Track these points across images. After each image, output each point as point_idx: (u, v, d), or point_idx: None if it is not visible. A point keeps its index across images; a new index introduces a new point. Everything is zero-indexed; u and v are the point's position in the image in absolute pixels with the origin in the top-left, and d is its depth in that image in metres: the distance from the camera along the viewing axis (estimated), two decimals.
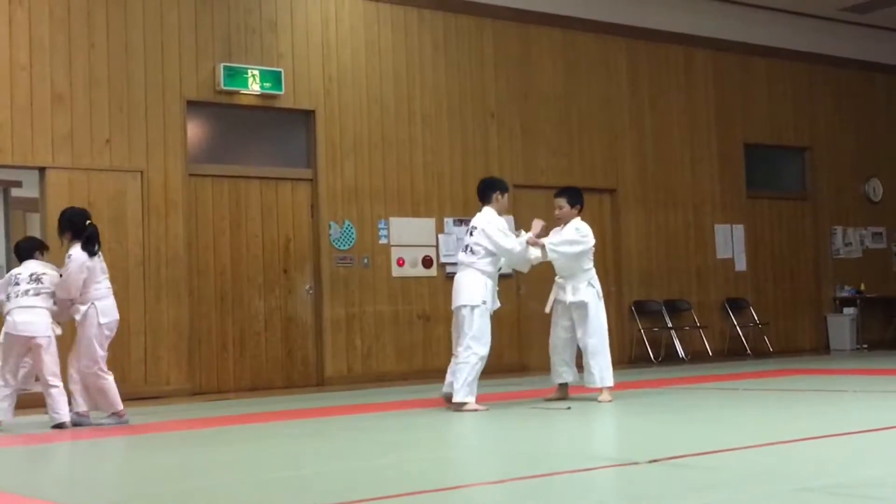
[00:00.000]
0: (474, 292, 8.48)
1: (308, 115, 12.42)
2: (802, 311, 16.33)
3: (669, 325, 14.57)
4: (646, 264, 14.68)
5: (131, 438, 7.65)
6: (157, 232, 11.30)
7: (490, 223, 8.62)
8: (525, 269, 9.15)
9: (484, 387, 10.92)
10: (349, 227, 12.44)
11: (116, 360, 10.92)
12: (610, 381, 8.64)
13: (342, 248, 12.37)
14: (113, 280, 10.94)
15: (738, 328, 15.22)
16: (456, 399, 8.29)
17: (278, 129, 12.47)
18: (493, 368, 13.05)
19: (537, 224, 8.73)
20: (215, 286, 11.69)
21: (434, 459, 5.86)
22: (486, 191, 8.87)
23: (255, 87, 11.92)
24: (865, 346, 16.05)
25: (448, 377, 8.61)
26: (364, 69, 12.76)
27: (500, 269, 8.81)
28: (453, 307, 8.68)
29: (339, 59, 12.61)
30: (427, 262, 12.92)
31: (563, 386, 8.92)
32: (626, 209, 14.60)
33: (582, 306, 8.68)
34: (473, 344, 8.42)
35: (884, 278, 17.17)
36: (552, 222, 9.04)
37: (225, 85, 11.70)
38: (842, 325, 16.18)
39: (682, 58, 15.39)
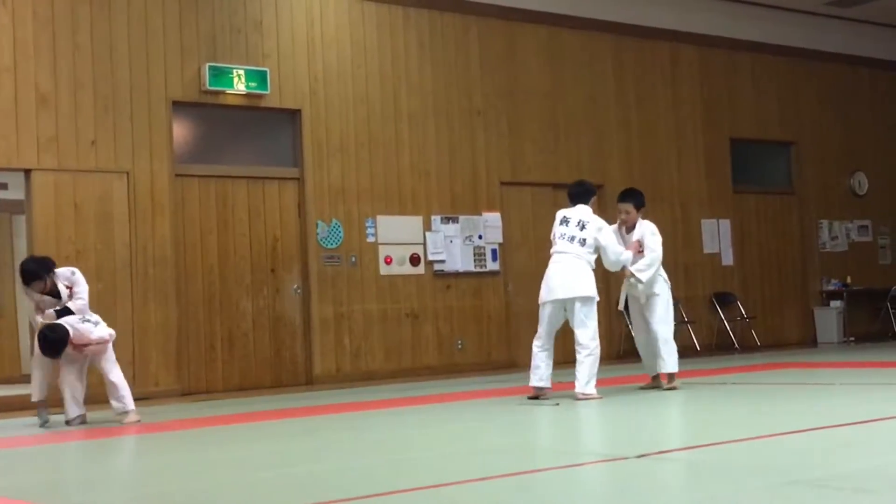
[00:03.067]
0: (589, 285, 8.56)
1: (294, 115, 12.41)
2: (789, 305, 16.38)
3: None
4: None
5: (120, 440, 7.63)
6: (143, 233, 11.28)
7: (606, 232, 8.76)
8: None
9: (472, 384, 10.94)
10: (336, 226, 12.44)
11: None
12: (675, 368, 8.86)
13: (330, 246, 12.37)
14: (100, 281, 10.97)
15: (725, 322, 15.25)
16: (585, 391, 8.36)
17: (264, 129, 12.45)
18: (482, 365, 13.10)
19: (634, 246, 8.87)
20: (203, 286, 11.67)
21: (423, 457, 5.87)
22: (583, 196, 9.00)
23: (240, 86, 11.90)
24: (852, 338, 16.10)
25: (544, 370, 8.60)
26: (350, 68, 12.76)
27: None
28: (562, 297, 8.57)
29: (325, 59, 12.61)
30: (415, 261, 12.92)
31: (656, 377, 9.04)
32: (612, 206, 14.52)
33: (652, 296, 8.90)
34: (596, 336, 8.53)
35: (870, 271, 17.23)
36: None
37: (210, 85, 11.68)
38: (829, 319, 16.23)
39: (668, 54, 15.42)
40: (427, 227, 13.05)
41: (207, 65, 11.70)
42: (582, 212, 8.83)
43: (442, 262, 13.10)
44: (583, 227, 8.73)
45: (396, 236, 12.85)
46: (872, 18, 17.27)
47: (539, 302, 8.77)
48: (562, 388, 8.95)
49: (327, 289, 12.31)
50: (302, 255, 12.27)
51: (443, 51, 13.46)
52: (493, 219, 13.51)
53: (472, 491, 4.62)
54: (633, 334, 9.32)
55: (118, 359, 8.75)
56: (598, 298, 8.66)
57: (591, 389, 8.40)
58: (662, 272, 9.01)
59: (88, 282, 8.99)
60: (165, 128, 11.52)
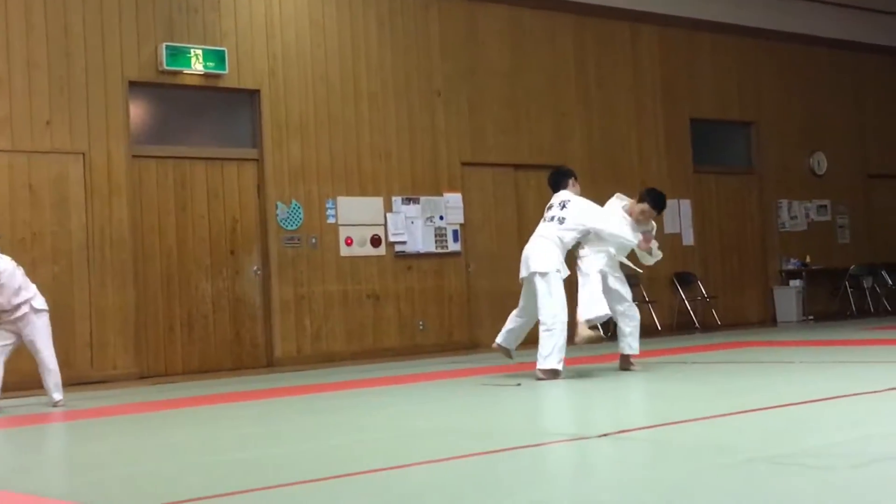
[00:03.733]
0: (547, 260, 8.54)
1: (253, 95, 12.29)
2: (749, 284, 16.48)
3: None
4: None
5: (77, 423, 7.55)
6: (100, 215, 11.15)
7: (594, 209, 8.77)
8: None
9: (435, 364, 10.92)
10: (296, 207, 12.35)
11: (61, 345, 10.76)
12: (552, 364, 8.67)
13: (290, 228, 12.28)
14: (56, 264, 10.84)
15: (686, 302, 15.33)
16: (547, 366, 8.36)
17: (223, 109, 12.33)
18: (444, 346, 13.08)
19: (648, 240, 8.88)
20: (161, 269, 11.56)
21: (383, 439, 5.84)
22: (561, 178, 9.05)
23: (198, 66, 11.77)
24: (811, 317, 16.24)
25: (505, 330, 8.90)
26: (309, 48, 12.65)
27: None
28: (523, 275, 8.75)
29: (284, 38, 12.49)
30: (375, 242, 12.86)
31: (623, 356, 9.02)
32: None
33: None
34: (558, 312, 8.47)
35: (828, 250, 17.37)
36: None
37: (167, 65, 11.54)
38: (788, 298, 16.35)
39: (629, 34, 15.42)
40: (388, 208, 12.99)
41: (164, 44, 11.55)
42: (563, 194, 8.90)
43: (403, 243, 13.05)
44: (563, 206, 8.78)
45: (357, 217, 12.78)
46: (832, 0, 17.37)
47: None
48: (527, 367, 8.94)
49: (288, 270, 12.23)
50: (262, 237, 12.18)
51: (403, 31, 13.37)
52: (454, 199, 13.47)
53: (434, 472, 4.59)
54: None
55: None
56: (561, 274, 8.59)
57: (550, 364, 8.36)
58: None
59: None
60: (122, 108, 11.37)
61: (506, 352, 9.12)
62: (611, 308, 8.62)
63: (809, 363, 9.13)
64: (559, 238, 8.67)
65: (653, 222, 9.06)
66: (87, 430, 7.27)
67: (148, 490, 4.58)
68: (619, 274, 8.89)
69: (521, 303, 8.90)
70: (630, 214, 8.83)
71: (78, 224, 11.03)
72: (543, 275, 8.54)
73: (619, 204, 8.93)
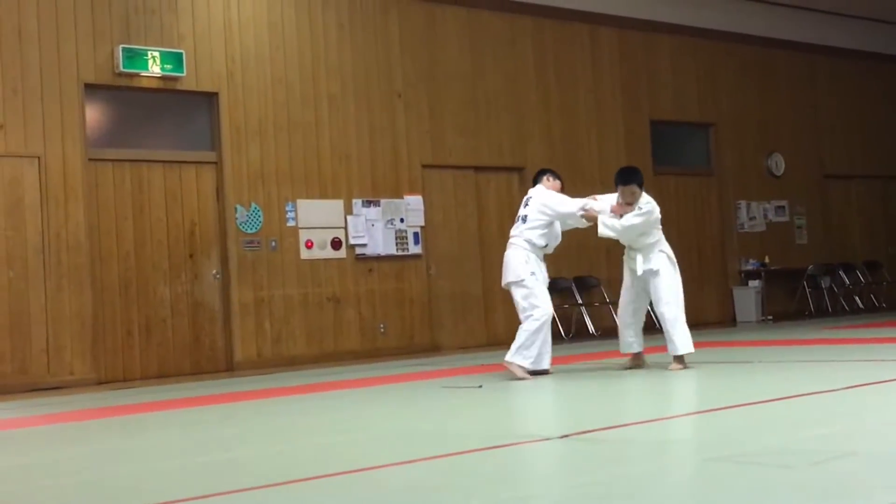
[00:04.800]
0: (517, 269, 8.63)
1: (211, 98, 12.20)
2: (709, 285, 16.56)
3: (579, 301, 14.67)
4: None
5: (33, 430, 7.44)
6: (56, 219, 11.01)
7: (547, 192, 8.87)
8: (581, 226, 9.08)
9: (397, 367, 10.89)
10: (256, 211, 12.27)
11: (17, 350, 10.67)
12: (690, 349, 8.58)
13: (249, 231, 12.20)
14: (11, 269, 10.70)
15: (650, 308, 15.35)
16: (509, 359, 8.43)
17: (181, 112, 12.23)
18: (405, 349, 13.04)
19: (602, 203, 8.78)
20: (119, 273, 11.44)
21: (344, 442, 5.80)
22: (538, 176, 9.21)
23: (155, 69, 11.66)
24: (770, 317, 16.35)
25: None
26: (268, 50, 12.58)
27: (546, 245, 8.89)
28: (503, 285, 8.88)
29: (242, 40, 12.41)
30: (336, 244, 12.81)
31: (637, 355, 8.87)
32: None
33: (654, 274, 8.60)
34: (534, 313, 8.53)
35: (787, 251, 17.50)
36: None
37: (124, 67, 11.43)
38: (747, 298, 16.45)
39: (588, 36, 15.46)
40: (348, 210, 12.94)
41: (121, 46, 11.44)
42: (532, 191, 9.01)
43: (363, 245, 13.00)
44: (526, 204, 8.88)
45: (317, 220, 12.72)
46: (788, 2, 17.50)
47: None
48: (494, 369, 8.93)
49: (247, 274, 12.15)
50: (221, 240, 12.09)
51: (362, 32, 13.33)
52: (414, 202, 13.44)
53: (395, 474, 4.57)
54: (618, 307, 9.09)
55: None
56: (537, 276, 8.65)
57: (516, 359, 8.40)
58: (666, 248, 8.77)
59: None
60: (78, 111, 11.24)
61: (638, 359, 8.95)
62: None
63: (768, 363, 9.19)
64: (527, 241, 8.72)
65: (643, 199, 8.77)
66: (43, 436, 7.17)
67: (106, 496, 4.52)
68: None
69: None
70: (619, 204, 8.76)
71: (33, 228, 10.90)
72: (518, 283, 8.65)
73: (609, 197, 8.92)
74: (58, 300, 10.94)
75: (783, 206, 17.62)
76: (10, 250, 10.76)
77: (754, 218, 17.20)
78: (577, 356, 11.03)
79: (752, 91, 17.36)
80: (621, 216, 8.61)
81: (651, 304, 8.84)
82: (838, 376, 7.44)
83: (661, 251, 8.73)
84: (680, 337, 8.56)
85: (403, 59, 13.62)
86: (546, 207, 8.78)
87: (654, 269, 8.59)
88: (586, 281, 14.93)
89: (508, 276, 8.73)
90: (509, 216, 14.39)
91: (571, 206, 8.80)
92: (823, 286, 17.46)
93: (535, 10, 14.84)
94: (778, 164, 17.61)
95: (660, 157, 16.11)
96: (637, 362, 8.92)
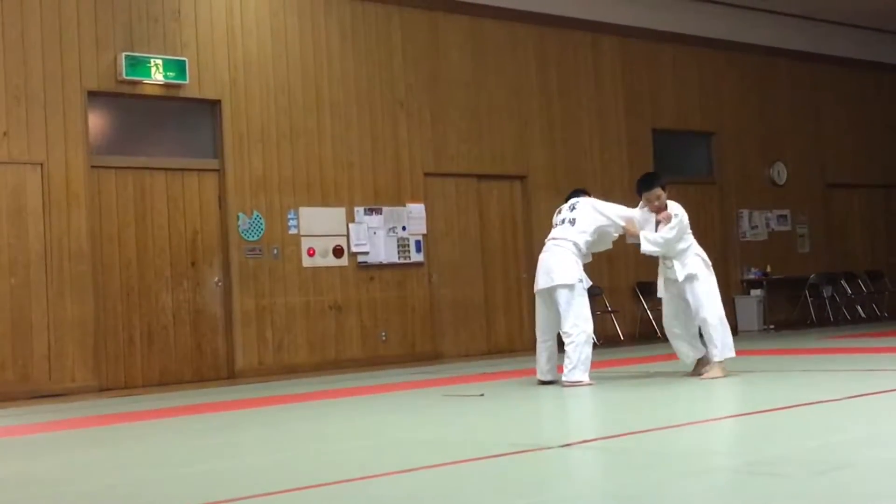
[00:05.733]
0: (569, 272, 8.46)
1: (214, 105, 12.22)
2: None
3: None
4: None
5: (34, 437, 7.45)
6: (59, 226, 11.03)
7: (598, 200, 8.82)
8: (616, 235, 8.97)
9: (398, 375, 10.88)
10: (258, 218, 12.28)
11: (18, 357, 10.68)
12: (731, 353, 8.45)
13: (251, 239, 12.21)
14: (13, 276, 10.72)
15: (648, 312, 15.36)
16: (573, 378, 8.28)
17: (183, 120, 12.25)
18: (406, 357, 13.04)
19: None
20: (121, 280, 11.45)
21: (346, 451, 5.80)
22: (579, 194, 9.04)
23: (158, 76, 11.68)
24: (772, 326, 16.34)
25: (544, 364, 8.61)
26: (270, 58, 12.60)
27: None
28: (544, 287, 8.58)
29: (245, 48, 12.43)
30: (338, 252, 12.82)
31: (700, 361, 8.69)
32: (536, 196, 14.65)
33: (692, 279, 8.54)
34: (581, 323, 8.40)
35: (789, 260, 17.50)
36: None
37: (127, 75, 11.46)
38: (749, 307, 16.44)
39: (590, 44, 15.48)
40: (350, 218, 12.95)
41: (124, 54, 11.46)
42: (574, 199, 8.87)
43: (365, 253, 13.01)
44: (573, 208, 8.75)
45: (319, 228, 12.73)
46: (791, 11, 17.52)
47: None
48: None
49: (249, 281, 12.15)
50: (223, 248, 12.10)
51: (365, 41, 13.35)
52: (416, 210, 13.45)
53: (397, 483, 4.56)
54: (663, 321, 8.98)
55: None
56: (584, 284, 8.55)
57: (579, 376, 8.31)
58: (700, 252, 8.74)
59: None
60: (81, 118, 11.27)
61: (549, 383, 8.75)
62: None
63: (770, 372, 9.17)
64: (574, 244, 8.57)
65: (669, 206, 8.70)
66: (44, 444, 7.17)
67: None
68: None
69: (540, 325, 8.73)
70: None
71: (36, 235, 10.91)
72: (568, 287, 8.46)
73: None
74: (60, 307, 10.95)
75: (785, 215, 17.62)
76: (12, 257, 10.77)
77: (756, 227, 17.20)
78: None
79: (755, 100, 17.37)
80: (658, 223, 8.61)
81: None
82: (840, 386, 7.43)
83: (697, 255, 8.70)
84: (721, 341, 8.44)
85: (406, 67, 13.64)
86: (599, 212, 8.67)
87: (693, 273, 8.55)
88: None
89: (556, 277, 8.46)
90: (511, 224, 14.45)
91: (625, 212, 8.74)
92: (825, 295, 17.45)
93: (538, 18, 14.86)
94: (780, 173, 17.61)
95: (662, 166, 16.07)
96: (700, 369, 8.74)
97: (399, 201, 13.35)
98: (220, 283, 12.04)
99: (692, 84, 16.64)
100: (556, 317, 8.59)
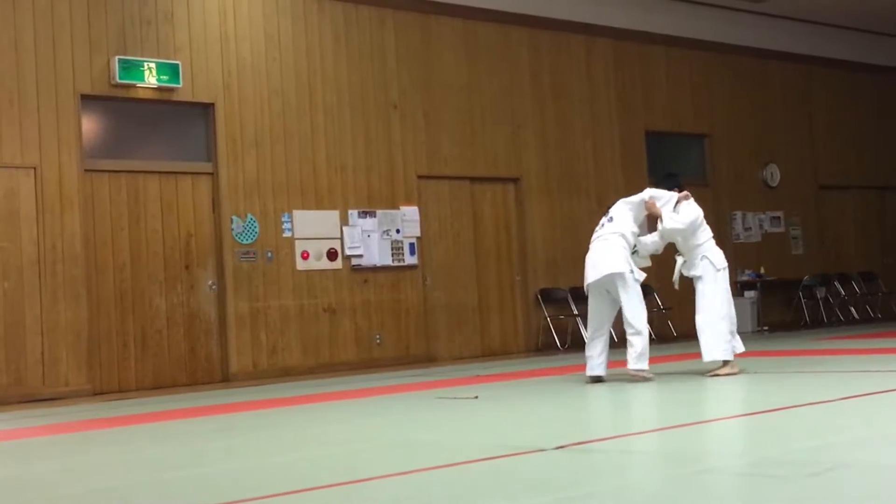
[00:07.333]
0: (619, 261, 8.52)
1: (207, 109, 12.21)
2: None
3: (575, 311, 14.65)
4: (551, 252, 14.75)
5: (28, 441, 7.43)
6: (52, 230, 11.01)
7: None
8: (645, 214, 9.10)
9: (392, 378, 10.88)
10: (252, 221, 12.27)
11: (12, 361, 10.66)
12: (717, 355, 8.55)
13: (245, 242, 12.21)
14: (6, 280, 10.70)
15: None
16: (639, 367, 8.37)
17: (177, 123, 12.23)
18: (401, 360, 13.04)
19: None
20: (115, 284, 11.43)
21: (340, 453, 5.79)
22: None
23: (151, 80, 11.67)
24: (766, 327, 16.35)
25: (596, 358, 8.63)
26: (264, 61, 12.59)
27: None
28: (596, 279, 8.59)
29: (238, 52, 12.42)
30: (332, 255, 12.81)
31: (727, 361, 8.76)
32: (529, 198, 14.66)
33: (697, 281, 8.74)
34: (641, 313, 8.52)
35: (782, 261, 17.52)
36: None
37: (120, 78, 11.44)
38: (743, 308, 16.41)
39: (584, 47, 15.49)
40: (344, 221, 12.95)
41: (117, 58, 11.45)
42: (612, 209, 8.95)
43: (359, 256, 13.00)
44: (609, 213, 8.88)
45: (313, 231, 12.72)
46: (783, 13, 17.56)
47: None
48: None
49: (243, 285, 12.14)
50: (217, 251, 12.08)
51: (358, 43, 13.35)
52: (410, 212, 13.45)
53: (391, 486, 4.56)
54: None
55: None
56: (636, 275, 8.59)
57: (641, 365, 8.41)
58: (710, 253, 8.85)
59: None
60: (74, 122, 11.25)
61: (598, 379, 8.77)
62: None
63: (764, 373, 9.18)
64: (620, 235, 8.62)
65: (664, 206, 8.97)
66: (38, 448, 7.16)
67: None
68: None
69: (592, 319, 8.78)
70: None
71: (29, 239, 10.89)
72: (620, 275, 8.50)
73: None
74: (53, 311, 10.93)
75: (778, 217, 17.65)
76: (5, 261, 10.75)
77: (750, 228, 17.23)
78: (572, 367, 11.02)
79: (747, 102, 17.40)
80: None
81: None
82: (834, 387, 7.44)
83: (705, 257, 8.83)
84: (707, 345, 8.62)
85: (399, 69, 13.64)
86: (626, 202, 8.82)
87: (698, 275, 8.74)
88: (582, 291, 14.87)
89: (605, 267, 8.49)
90: (505, 227, 14.45)
91: (642, 193, 8.90)
92: (819, 297, 17.48)
93: (531, 20, 14.87)
94: (773, 174, 17.64)
95: (655, 168, 16.10)
96: (733, 367, 8.81)
97: (393, 204, 13.35)
98: (213, 287, 12.02)
99: (685, 86, 16.66)
100: (609, 309, 8.71)
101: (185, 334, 11.82)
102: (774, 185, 17.65)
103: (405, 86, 13.66)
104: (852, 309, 17.97)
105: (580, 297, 14.83)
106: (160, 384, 11.54)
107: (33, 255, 10.89)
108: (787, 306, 17.25)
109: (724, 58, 17.11)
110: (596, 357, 8.68)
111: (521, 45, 14.82)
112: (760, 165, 17.54)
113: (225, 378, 11.94)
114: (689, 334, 15.75)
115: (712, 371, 8.67)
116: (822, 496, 3.82)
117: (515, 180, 14.62)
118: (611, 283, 8.57)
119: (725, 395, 7.61)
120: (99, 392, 11.10)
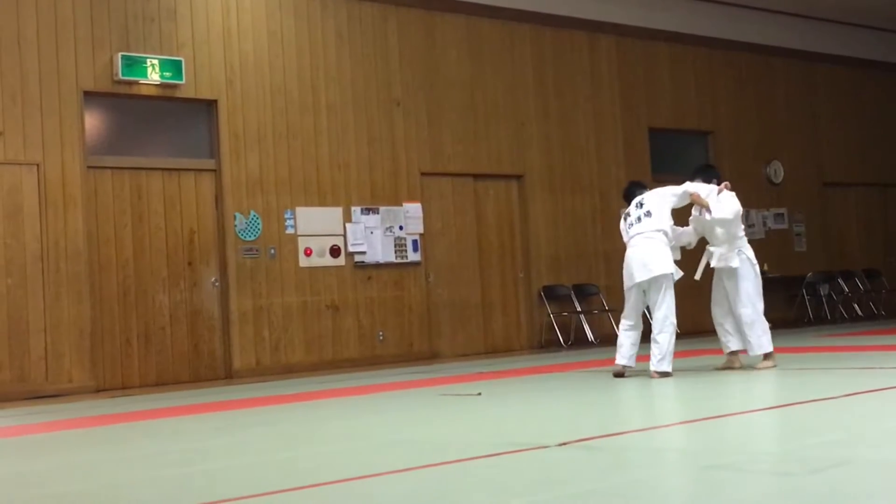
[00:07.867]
0: (665, 262, 8.58)
1: (210, 105, 12.21)
2: (708, 293, 16.48)
3: (578, 309, 14.67)
4: (554, 249, 14.75)
5: (30, 438, 7.43)
6: (55, 226, 11.02)
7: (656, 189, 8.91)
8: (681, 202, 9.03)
9: (395, 375, 10.88)
10: (255, 218, 12.27)
11: (15, 358, 10.67)
12: (768, 347, 8.71)
13: (248, 239, 12.21)
14: (9, 276, 10.70)
15: (646, 311, 15.34)
16: (662, 369, 8.44)
17: (180, 120, 12.24)
18: (403, 357, 13.04)
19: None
20: (118, 281, 11.44)
21: (343, 450, 5.79)
22: (634, 189, 9.19)
23: (154, 76, 11.68)
24: (769, 325, 16.27)
25: (629, 348, 8.73)
26: (267, 58, 12.59)
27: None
28: (640, 280, 8.64)
29: (241, 48, 12.42)
30: (335, 252, 12.81)
31: (734, 353, 8.89)
32: (533, 195, 14.65)
33: (732, 274, 8.79)
34: (672, 314, 8.60)
35: (786, 258, 17.50)
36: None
37: (123, 75, 11.45)
38: None
39: (587, 44, 15.48)
40: (347, 218, 12.95)
41: (120, 54, 11.45)
42: (638, 197, 8.92)
43: (362, 253, 13.01)
44: (641, 205, 8.81)
45: (316, 228, 12.73)
46: (785, 9, 17.53)
47: (624, 289, 8.87)
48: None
49: (246, 281, 12.15)
50: (220, 248, 12.09)
51: (361, 40, 13.35)
52: (413, 209, 13.45)
53: (394, 483, 4.56)
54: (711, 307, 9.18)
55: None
56: (675, 276, 8.64)
57: (666, 367, 8.48)
58: (746, 248, 8.92)
59: None
60: (77, 119, 11.26)
61: (622, 371, 8.87)
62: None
63: (768, 370, 9.16)
64: (663, 232, 8.64)
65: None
66: (41, 444, 7.16)
67: None
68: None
69: (630, 314, 8.85)
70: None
71: (32, 236, 10.90)
72: (666, 276, 8.58)
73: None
74: (56, 308, 10.94)
75: (782, 214, 17.62)
76: (8, 258, 10.76)
77: (753, 225, 17.19)
78: (575, 364, 11.03)
79: (751, 99, 17.38)
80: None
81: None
82: (837, 384, 7.43)
83: (741, 251, 8.91)
84: (756, 338, 8.74)
85: (402, 66, 13.63)
86: (664, 195, 8.75)
87: (736, 266, 8.81)
88: (585, 289, 14.92)
89: (655, 268, 8.53)
90: (508, 224, 14.45)
91: (682, 186, 8.87)
92: (822, 294, 17.46)
93: (534, 17, 14.86)
94: (777, 171, 17.62)
95: (658, 165, 16.11)
96: (732, 362, 8.90)
97: (396, 201, 13.35)
98: (216, 284, 12.03)
99: (688, 83, 16.64)
100: (643, 304, 8.84)
101: (188, 331, 11.83)
102: (778, 182, 17.62)
103: (408, 83, 13.65)
104: (856, 306, 17.95)
105: (584, 294, 14.88)
106: (163, 381, 11.55)
107: (36, 251, 10.90)
108: (790, 303, 17.23)
109: (727, 55, 17.09)
110: (628, 349, 8.82)
111: (525, 43, 14.81)
112: (764, 162, 17.52)
113: (228, 375, 11.95)
114: (693, 331, 15.80)
115: (761, 365, 8.74)
116: (826, 493, 3.81)
117: (518, 177, 14.61)
118: (654, 281, 8.61)
119: (726, 393, 7.60)
120: (102, 389, 11.11)
